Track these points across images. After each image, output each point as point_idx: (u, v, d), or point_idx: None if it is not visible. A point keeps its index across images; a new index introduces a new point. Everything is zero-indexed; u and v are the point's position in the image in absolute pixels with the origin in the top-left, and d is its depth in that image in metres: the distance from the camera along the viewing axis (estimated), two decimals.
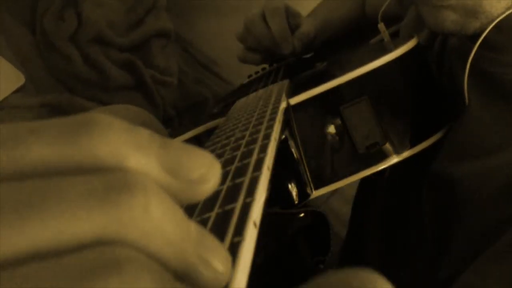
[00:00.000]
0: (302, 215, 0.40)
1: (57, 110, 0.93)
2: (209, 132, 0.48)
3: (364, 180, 0.47)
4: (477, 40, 0.44)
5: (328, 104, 0.45)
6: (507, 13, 0.41)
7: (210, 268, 0.13)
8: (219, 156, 0.28)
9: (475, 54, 0.45)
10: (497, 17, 0.42)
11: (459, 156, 0.46)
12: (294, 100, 0.45)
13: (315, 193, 0.44)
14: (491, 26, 0.42)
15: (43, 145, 0.11)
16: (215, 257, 0.13)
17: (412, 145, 0.46)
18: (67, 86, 1.02)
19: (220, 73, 1.20)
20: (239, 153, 0.27)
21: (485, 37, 0.43)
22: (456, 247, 0.44)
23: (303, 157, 0.44)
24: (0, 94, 0.88)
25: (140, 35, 1.08)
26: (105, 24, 1.03)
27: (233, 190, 0.21)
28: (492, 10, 0.41)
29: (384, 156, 0.45)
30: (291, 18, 0.70)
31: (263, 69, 0.77)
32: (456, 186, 0.45)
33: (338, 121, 0.45)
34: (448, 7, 0.43)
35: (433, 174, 0.48)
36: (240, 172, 0.23)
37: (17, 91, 0.91)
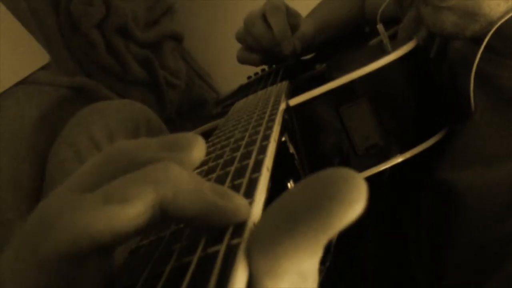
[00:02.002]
0: None
1: (82, 94, 0.94)
2: (209, 133, 0.48)
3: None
4: (480, 43, 0.44)
5: (328, 105, 0.45)
6: (508, 15, 0.41)
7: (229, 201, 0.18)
8: (218, 157, 0.28)
9: (481, 58, 0.44)
10: (497, 20, 0.41)
11: (462, 163, 0.46)
12: (293, 101, 0.45)
13: None
14: (493, 29, 0.42)
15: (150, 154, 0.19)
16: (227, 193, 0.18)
17: (412, 146, 0.46)
18: (87, 70, 1.03)
19: (212, 85, 1.22)
20: (238, 154, 0.27)
21: (490, 41, 0.43)
22: (458, 258, 0.44)
23: (302, 157, 0.44)
24: (25, 70, 0.89)
25: (155, 34, 1.09)
26: (131, 16, 1.04)
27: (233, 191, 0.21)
28: (492, 13, 0.41)
29: (383, 157, 0.45)
30: (291, 18, 0.70)
31: (263, 70, 0.77)
32: (458, 196, 0.45)
33: (332, 124, 0.45)
34: (448, 8, 0.42)
35: (435, 180, 0.48)
36: (240, 173, 0.23)
37: (42, 68, 0.91)
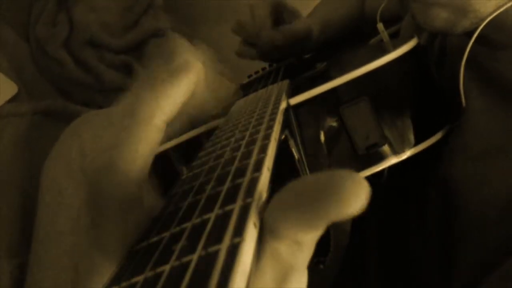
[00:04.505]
0: None
1: (50, 117, 0.93)
2: (209, 133, 0.48)
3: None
4: (473, 36, 0.44)
5: (328, 105, 0.45)
6: (500, 10, 0.41)
7: None
8: (219, 156, 0.28)
9: (477, 51, 0.44)
10: (487, 16, 0.41)
11: (462, 160, 0.46)
12: (294, 100, 0.45)
13: None
14: (484, 23, 0.42)
15: None
16: None
17: (411, 145, 0.46)
18: (63, 91, 1.02)
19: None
20: (239, 153, 0.27)
21: (483, 34, 0.43)
22: (466, 258, 0.44)
23: (303, 157, 0.44)
24: None
25: (136, 35, 1.08)
26: (99, 26, 1.03)
27: (233, 190, 0.21)
28: (482, 9, 0.41)
29: (383, 157, 0.45)
30: (286, 14, 0.71)
31: (263, 69, 0.77)
32: (458, 193, 0.45)
33: (333, 124, 0.45)
34: (439, 5, 0.42)
35: (437, 178, 0.48)
36: (240, 172, 0.23)
37: (10, 100, 0.90)
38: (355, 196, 0.17)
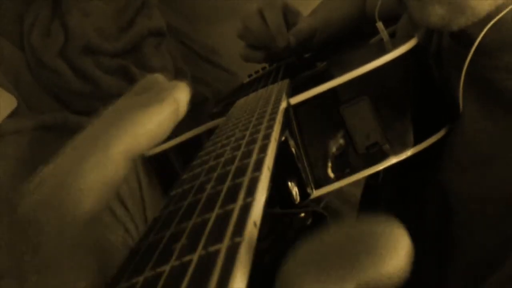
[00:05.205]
0: (302, 215, 0.39)
1: (51, 130, 0.92)
2: (210, 132, 0.48)
3: (366, 185, 0.47)
4: (468, 44, 0.44)
5: (328, 104, 0.45)
6: (501, 14, 0.41)
7: None
8: (219, 156, 0.28)
9: (472, 57, 0.44)
10: (484, 15, 0.41)
11: (459, 164, 0.46)
12: (294, 100, 0.45)
13: (316, 193, 0.44)
14: (483, 32, 0.42)
15: None
16: None
17: (411, 145, 0.46)
18: (61, 100, 1.00)
19: (221, 63, 1.18)
20: (239, 153, 0.27)
21: (479, 42, 0.43)
22: (466, 258, 0.44)
23: (303, 156, 0.44)
24: None
25: (132, 37, 1.07)
26: (94, 32, 1.02)
27: (234, 190, 0.21)
28: (479, 7, 0.41)
29: (383, 156, 0.45)
30: (289, 15, 0.71)
31: (263, 68, 0.77)
32: (456, 197, 0.45)
33: (333, 123, 0.45)
34: (435, 1, 0.42)
35: (436, 180, 0.48)
36: (241, 172, 0.23)
37: (10, 115, 0.89)
38: (392, 252, 0.14)
